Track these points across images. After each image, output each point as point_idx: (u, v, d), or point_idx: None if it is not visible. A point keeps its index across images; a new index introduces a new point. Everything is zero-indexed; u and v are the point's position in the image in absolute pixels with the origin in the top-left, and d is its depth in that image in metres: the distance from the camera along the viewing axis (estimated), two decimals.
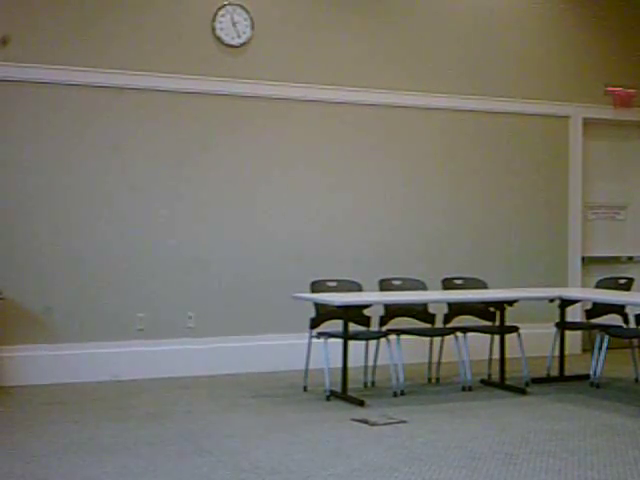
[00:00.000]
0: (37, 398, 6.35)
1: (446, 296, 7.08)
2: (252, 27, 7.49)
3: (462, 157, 8.32)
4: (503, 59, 8.48)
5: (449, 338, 6.93)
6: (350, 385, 6.36)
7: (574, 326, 7.73)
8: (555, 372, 7.20)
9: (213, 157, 7.44)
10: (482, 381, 7.01)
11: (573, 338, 8.32)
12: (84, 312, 7.03)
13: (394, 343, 6.53)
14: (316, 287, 6.78)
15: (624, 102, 8.91)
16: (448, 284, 7.32)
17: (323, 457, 4.78)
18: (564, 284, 8.56)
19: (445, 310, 7.13)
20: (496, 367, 6.94)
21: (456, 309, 7.15)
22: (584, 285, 8.62)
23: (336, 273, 7.18)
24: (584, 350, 8.60)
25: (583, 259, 8.83)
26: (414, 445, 5.03)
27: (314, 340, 6.55)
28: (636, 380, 7.13)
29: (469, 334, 6.84)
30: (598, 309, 7.32)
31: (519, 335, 6.88)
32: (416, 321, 7.00)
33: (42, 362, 6.85)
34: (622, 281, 7.57)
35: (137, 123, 7.21)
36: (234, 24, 7.43)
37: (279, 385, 6.91)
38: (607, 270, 8.71)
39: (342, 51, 7.85)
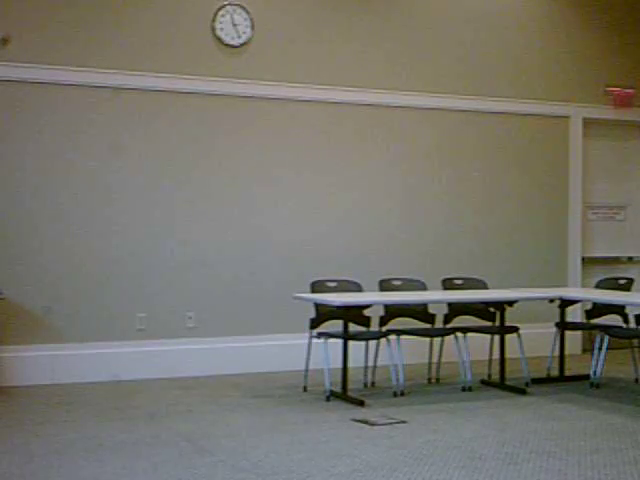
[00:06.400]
0: (37, 398, 6.35)
1: (446, 296, 7.08)
2: (252, 27, 7.49)
3: (462, 157, 8.31)
4: (503, 59, 8.48)
5: (449, 338, 6.93)
6: (350, 385, 6.37)
7: (574, 326, 7.72)
8: (555, 372, 7.20)
9: (213, 157, 7.44)
10: (482, 381, 7.01)
11: (573, 338, 8.32)
12: (84, 312, 7.03)
13: (394, 343, 6.53)
14: (316, 287, 6.77)
15: (624, 102, 8.91)
16: (448, 284, 7.32)
17: (323, 457, 4.78)
18: (564, 284, 8.56)
19: (445, 310, 7.13)
20: (496, 367, 6.95)
21: (456, 309, 7.15)
22: (584, 285, 8.62)
23: (336, 273, 7.18)
24: (584, 350, 8.60)
25: (583, 259, 8.82)
26: (414, 445, 5.03)
27: (314, 340, 6.55)
28: (636, 380, 7.13)
29: (469, 334, 6.83)
30: (598, 309, 7.32)
31: (519, 335, 6.88)
32: (416, 321, 7.00)
33: (42, 362, 6.85)
34: (622, 281, 7.57)
35: (137, 123, 7.21)
36: (234, 24, 7.43)
37: (279, 385, 6.91)
38: (607, 270, 8.71)
39: (342, 51, 7.85)
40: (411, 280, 7.16)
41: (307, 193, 7.74)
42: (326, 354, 6.28)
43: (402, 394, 6.46)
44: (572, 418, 5.80)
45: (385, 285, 7.05)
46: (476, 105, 8.32)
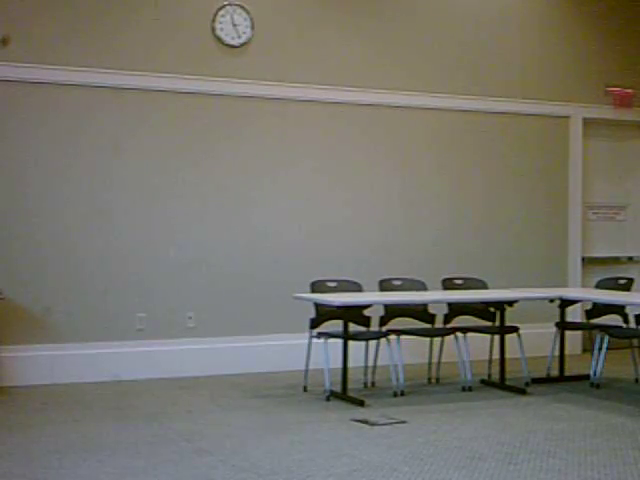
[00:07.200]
0: (37, 398, 6.35)
1: (446, 296, 7.08)
2: (252, 27, 7.49)
3: (462, 157, 8.31)
4: (503, 59, 8.48)
5: (449, 338, 6.93)
6: (350, 385, 6.36)
7: (574, 326, 7.73)
8: (555, 372, 7.20)
9: (213, 157, 7.44)
10: (482, 381, 7.01)
11: (573, 338, 8.32)
12: (84, 312, 7.03)
13: (394, 343, 6.53)
14: (316, 287, 6.77)
15: (624, 102, 8.91)
16: (448, 284, 7.32)
17: (323, 457, 4.78)
18: (564, 284, 8.56)
19: (445, 310, 7.13)
20: (496, 367, 6.94)
21: (456, 309, 7.15)
22: (584, 285, 8.62)
23: (336, 273, 7.18)
24: (584, 350, 8.60)
25: (583, 259, 8.82)
26: (414, 445, 5.03)
27: (314, 340, 6.55)
28: (636, 380, 7.13)
29: (469, 334, 6.83)
30: (598, 309, 7.32)
31: (519, 335, 6.88)
32: (416, 321, 7.00)
33: (42, 362, 6.85)
34: (622, 281, 7.57)
35: (137, 123, 7.21)
36: (234, 24, 7.43)
37: (279, 385, 6.91)
38: (607, 270, 8.71)
39: (342, 51, 7.84)
40: (411, 280, 7.16)
41: (307, 193, 7.74)
42: (326, 354, 6.28)
43: (402, 394, 6.46)
44: (572, 418, 5.80)
45: (385, 285, 7.04)
46: (476, 105, 8.32)
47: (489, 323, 7.08)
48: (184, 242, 7.32)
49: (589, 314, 7.38)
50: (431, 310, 7.02)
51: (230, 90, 7.44)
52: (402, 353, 6.55)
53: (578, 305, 7.84)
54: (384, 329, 6.74)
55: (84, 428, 5.45)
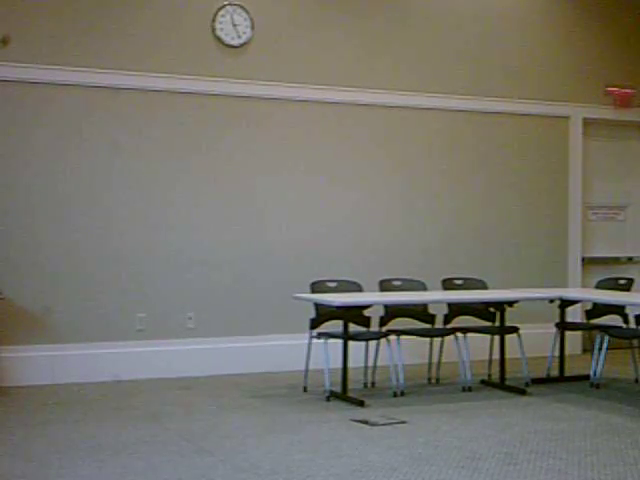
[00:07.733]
0: (37, 398, 6.35)
1: (446, 296, 7.08)
2: (252, 27, 7.49)
3: (462, 157, 8.31)
4: (503, 59, 8.48)
5: (449, 338, 6.93)
6: (350, 385, 6.36)
7: (574, 326, 7.72)
8: (555, 372, 7.20)
9: (213, 157, 7.44)
10: (482, 381, 7.01)
11: (573, 338, 8.32)
12: (84, 312, 7.03)
13: (394, 343, 6.53)
14: (316, 287, 6.77)
15: (624, 102, 8.91)
16: (448, 284, 7.31)
17: (323, 457, 4.78)
18: (564, 284, 8.55)
19: (445, 310, 7.13)
20: (496, 367, 6.94)
21: (456, 310, 7.15)
22: (584, 285, 8.62)
23: (336, 273, 7.18)
24: (584, 350, 8.60)
25: (583, 259, 8.82)
26: (414, 445, 5.03)
27: (314, 340, 6.55)
28: (636, 380, 7.13)
29: (469, 334, 6.83)
30: (598, 309, 7.32)
31: (519, 335, 6.88)
32: (416, 321, 7.00)
33: (42, 362, 6.85)
34: (622, 281, 7.57)
35: (137, 123, 7.21)
36: (234, 24, 7.43)
37: (279, 385, 6.91)
38: (607, 270, 8.71)
39: (342, 51, 7.84)
40: (411, 280, 7.16)
41: (307, 193, 7.74)
42: (326, 354, 6.28)
43: (402, 394, 6.46)
44: (572, 418, 5.79)
45: (385, 285, 7.04)
46: (476, 105, 8.32)
47: (489, 323, 7.08)
48: (184, 242, 7.32)
49: (589, 314, 7.38)
50: (431, 310, 7.02)
51: (230, 90, 7.43)
52: (402, 353, 6.55)
53: (578, 305, 7.83)
54: (384, 329, 6.74)
55: (84, 428, 5.45)
